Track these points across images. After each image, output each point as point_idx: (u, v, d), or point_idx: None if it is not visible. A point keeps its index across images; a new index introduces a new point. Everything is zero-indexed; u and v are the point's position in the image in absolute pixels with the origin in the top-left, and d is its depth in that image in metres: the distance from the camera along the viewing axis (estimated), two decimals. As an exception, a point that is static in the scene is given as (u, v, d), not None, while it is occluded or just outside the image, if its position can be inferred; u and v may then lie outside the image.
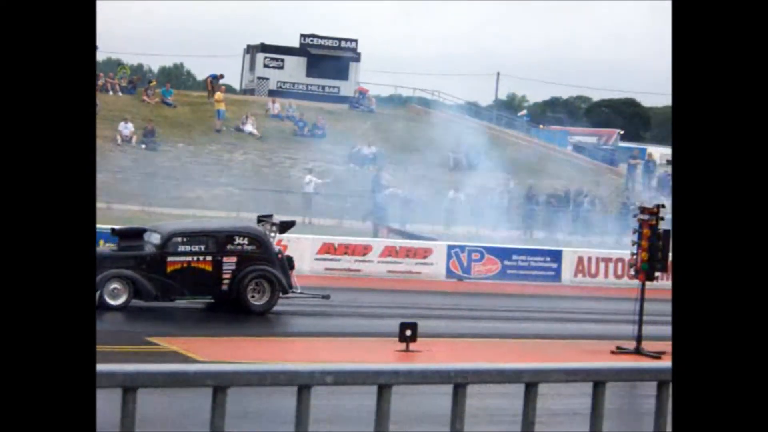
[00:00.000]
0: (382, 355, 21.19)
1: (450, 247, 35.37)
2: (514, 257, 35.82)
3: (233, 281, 25.06)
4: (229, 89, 66.35)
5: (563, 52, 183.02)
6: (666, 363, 3.84)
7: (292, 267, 26.44)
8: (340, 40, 64.75)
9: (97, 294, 23.62)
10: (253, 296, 25.25)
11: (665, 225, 25.14)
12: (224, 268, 25.04)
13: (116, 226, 26.76)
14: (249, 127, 54.81)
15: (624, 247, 35.45)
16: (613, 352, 23.62)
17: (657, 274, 24.52)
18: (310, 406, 4.33)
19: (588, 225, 49.18)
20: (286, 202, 45.99)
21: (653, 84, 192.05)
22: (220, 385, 4.39)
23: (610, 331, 26.10)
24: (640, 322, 23.89)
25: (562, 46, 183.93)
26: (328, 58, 62.89)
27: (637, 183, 57.42)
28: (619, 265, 36.06)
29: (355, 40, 65.29)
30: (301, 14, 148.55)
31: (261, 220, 27.00)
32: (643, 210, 24.59)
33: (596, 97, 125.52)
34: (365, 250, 34.28)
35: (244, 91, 65.25)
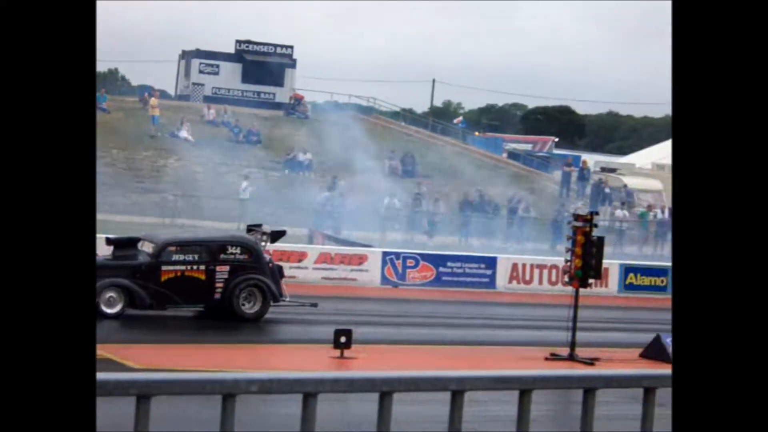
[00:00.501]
0: (316, 362, 21.13)
1: (385, 254, 35.34)
2: (449, 264, 35.84)
3: (226, 290, 25.60)
4: (163, 95, 65.93)
5: (498, 59, 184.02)
6: (595, 370, 3.80)
7: (282, 275, 26.98)
8: (275, 46, 64.58)
9: None
10: (244, 304, 25.77)
11: (599, 232, 25.30)
12: (217, 277, 25.62)
13: (111, 236, 27.00)
14: (184, 133, 54.50)
15: (558, 254, 35.65)
16: (547, 359, 23.73)
17: (590, 281, 24.67)
18: (234, 415, 4.27)
19: (523, 232, 49.40)
20: (222, 209, 45.75)
21: (587, 92, 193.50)
22: (143, 394, 4.31)
23: (544, 338, 26.21)
24: (574, 329, 24.03)
25: (497, 54, 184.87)
26: (263, 65, 62.70)
27: (572, 190, 57.71)
28: (554, 271, 36.21)
29: (291, 47, 65.15)
30: (236, 20, 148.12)
31: (251, 229, 27.55)
32: (577, 217, 24.71)
33: (531, 104, 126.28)
34: (301, 256, 34.18)
35: (179, 97, 64.86)
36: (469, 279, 35.65)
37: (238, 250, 25.94)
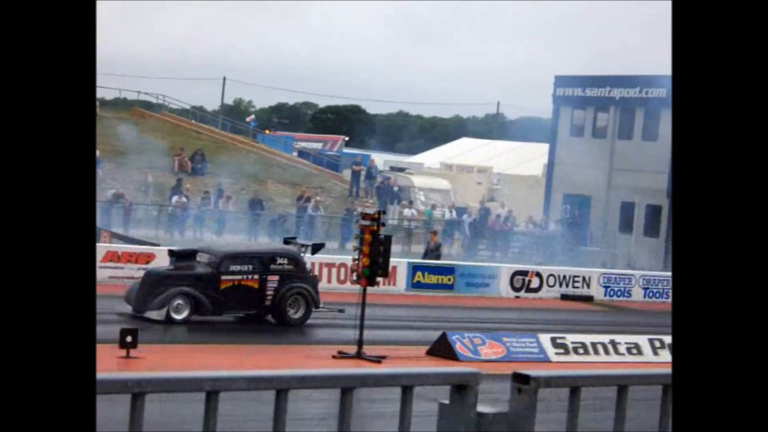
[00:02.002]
0: (99, 362, 20.70)
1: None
2: (239, 263, 35.53)
3: (275, 297, 27.96)
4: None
5: (290, 58, 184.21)
6: (355, 369, 3.77)
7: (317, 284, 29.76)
8: (61, 40, 63.09)
9: (165, 309, 26.63)
10: (289, 310, 28.18)
11: (387, 231, 25.49)
12: (268, 285, 27.95)
13: (174, 248, 30.20)
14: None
15: (347, 253, 35.76)
16: (334, 357, 23.78)
17: (378, 279, 24.85)
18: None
19: (312, 230, 49.45)
20: None
21: (378, 92, 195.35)
22: None
23: (333, 337, 26.32)
24: (362, 327, 24.16)
25: (289, 53, 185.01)
26: (49, 59, 61.27)
27: (361, 189, 58.09)
28: (342, 270, 36.30)
29: (78, 42, 63.76)
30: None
31: (288, 241, 30.63)
32: (364, 216, 24.81)
33: (322, 103, 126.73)
34: (86, 255, 33.38)
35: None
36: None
37: (285, 261, 28.43)
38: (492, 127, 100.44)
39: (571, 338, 27.11)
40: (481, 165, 68.76)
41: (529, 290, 39.76)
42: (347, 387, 3.65)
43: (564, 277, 40.69)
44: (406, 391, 3.65)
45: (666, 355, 27.45)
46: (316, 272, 36.60)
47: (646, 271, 44.57)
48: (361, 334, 24.05)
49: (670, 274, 44.12)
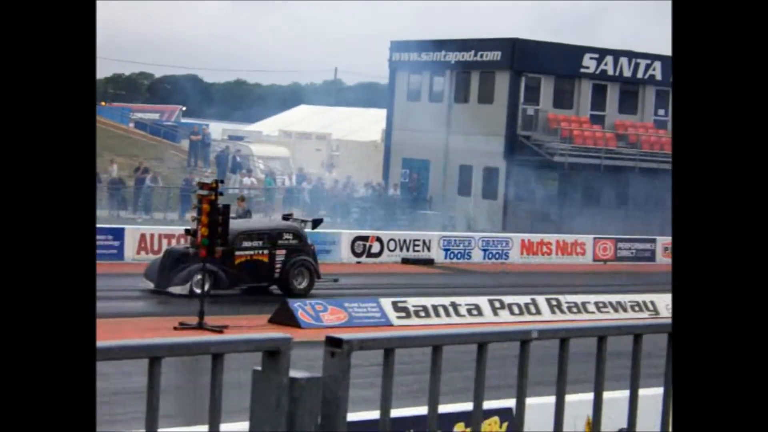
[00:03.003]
0: None
1: (7, 229, 34.17)
2: (75, 237, 35.02)
3: (283, 270, 29.90)
4: None
5: (125, 29, 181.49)
6: (162, 338, 3.77)
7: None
8: None
9: (188, 285, 28.11)
10: (295, 281, 30.11)
11: (227, 200, 25.40)
12: (276, 259, 29.78)
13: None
14: None
15: (188, 223, 35.51)
16: (176, 328, 23.67)
17: (217, 248, 24.75)
18: None
19: (151, 202, 48.98)
20: None
21: (215, 61, 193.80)
22: None
23: (175, 308, 26.24)
24: (203, 297, 24.08)
25: (123, 23, 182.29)
26: None
27: (200, 159, 57.65)
28: (182, 241, 36.02)
29: None
30: None
31: (286, 218, 32.32)
32: (202, 186, 24.67)
33: (158, 73, 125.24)
34: None
35: None
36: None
37: (290, 236, 30.32)
38: (330, 94, 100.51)
39: (412, 302, 27.39)
40: (319, 132, 68.84)
41: (370, 255, 40.00)
42: (155, 357, 3.63)
43: (404, 241, 41.02)
44: (217, 359, 3.65)
45: (506, 315, 27.94)
46: (155, 244, 36.42)
47: (485, 233, 45.24)
48: (202, 305, 23.96)
49: (508, 234, 44.93)
